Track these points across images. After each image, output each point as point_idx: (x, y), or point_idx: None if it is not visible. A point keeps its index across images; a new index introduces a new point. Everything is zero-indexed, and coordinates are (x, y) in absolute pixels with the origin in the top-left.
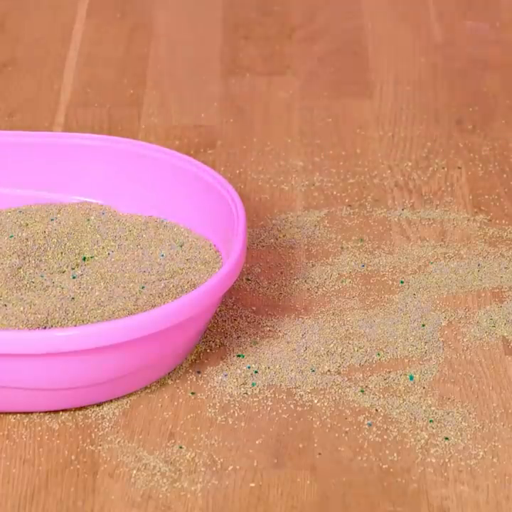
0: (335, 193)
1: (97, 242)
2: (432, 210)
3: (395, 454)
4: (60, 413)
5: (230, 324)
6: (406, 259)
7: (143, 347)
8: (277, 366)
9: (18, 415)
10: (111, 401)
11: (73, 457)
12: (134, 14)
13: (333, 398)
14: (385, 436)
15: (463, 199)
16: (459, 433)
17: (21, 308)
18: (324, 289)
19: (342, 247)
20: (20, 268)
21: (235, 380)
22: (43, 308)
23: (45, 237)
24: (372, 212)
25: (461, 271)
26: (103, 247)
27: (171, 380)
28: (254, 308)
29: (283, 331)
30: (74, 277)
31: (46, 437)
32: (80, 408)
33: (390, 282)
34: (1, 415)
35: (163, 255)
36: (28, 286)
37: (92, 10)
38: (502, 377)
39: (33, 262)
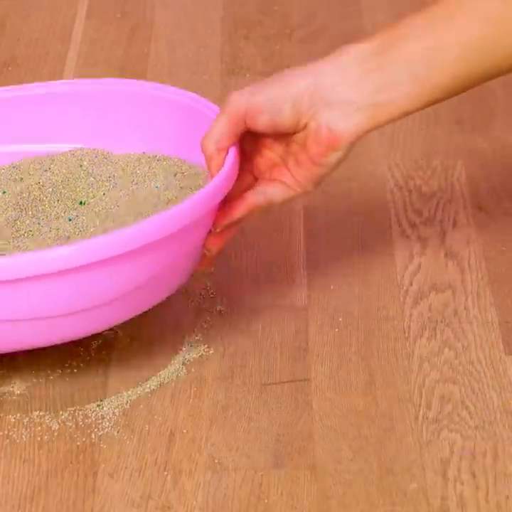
0: (335, 192)
1: (91, 185)
2: (432, 209)
3: (395, 454)
4: (60, 413)
5: (229, 324)
6: (406, 259)
7: (144, 259)
8: (278, 366)
9: (18, 415)
10: (111, 401)
11: (73, 457)
12: (134, 14)
13: (334, 398)
14: (386, 436)
15: (463, 199)
16: (459, 433)
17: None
18: (324, 289)
19: (342, 248)
20: (17, 220)
21: (234, 381)
22: (37, 249)
23: (39, 188)
24: (372, 212)
25: (461, 271)
26: (98, 189)
27: (171, 380)
28: (253, 308)
29: (283, 331)
30: (70, 220)
31: (46, 437)
32: (80, 408)
33: (390, 282)
34: (1, 415)
35: (157, 187)
36: (25, 235)
37: (92, 10)
38: (502, 377)
39: (30, 212)
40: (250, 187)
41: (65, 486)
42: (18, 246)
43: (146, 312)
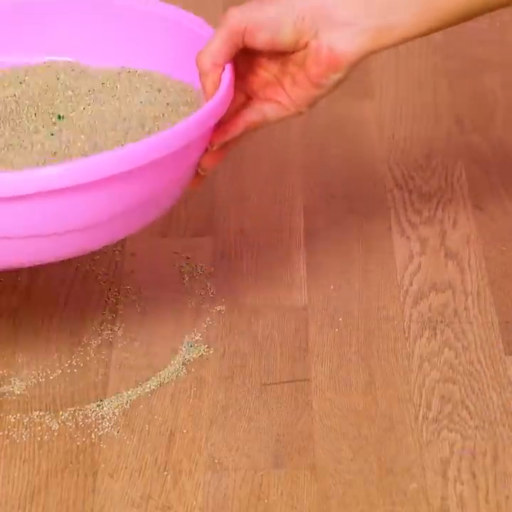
0: (335, 192)
1: (70, 98)
2: (432, 209)
3: (395, 454)
4: (60, 413)
5: (229, 324)
6: (406, 259)
7: (141, 177)
8: (278, 366)
9: (18, 415)
10: (111, 401)
11: (73, 457)
12: None
13: (334, 398)
14: (386, 436)
15: (463, 199)
16: (459, 433)
17: (2, 168)
18: (324, 289)
19: (342, 248)
20: None
21: (234, 381)
22: (25, 166)
23: (15, 100)
24: (372, 212)
25: (461, 271)
26: (78, 103)
27: (171, 380)
28: (253, 308)
29: (283, 331)
30: (52, 134)
31: (46, 437)
32: (80, 408)
33: (390, 282)
34: (1, 415)
35: (141, 102)
36: (6, 149)
37: None
38: (502, 377)
39: (8, 125)
40: (243, 106)
41: (65, 486)
42: (1, 159)
43: (146, 312)
